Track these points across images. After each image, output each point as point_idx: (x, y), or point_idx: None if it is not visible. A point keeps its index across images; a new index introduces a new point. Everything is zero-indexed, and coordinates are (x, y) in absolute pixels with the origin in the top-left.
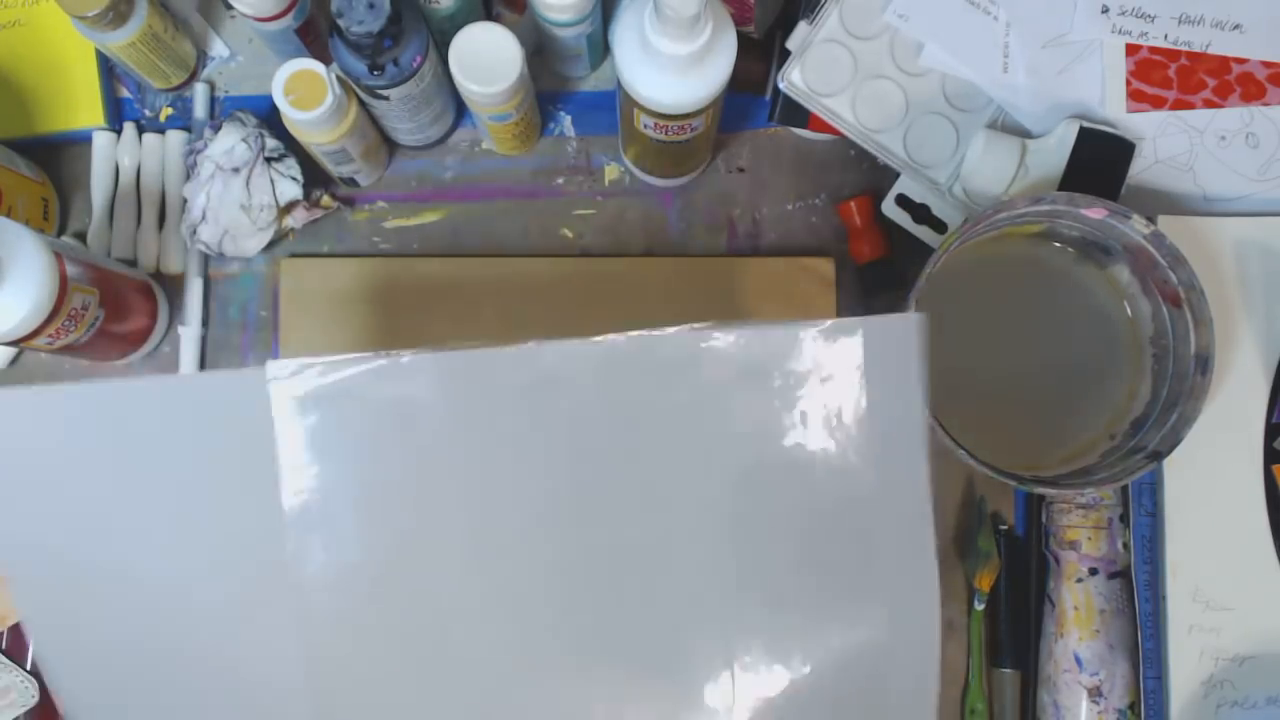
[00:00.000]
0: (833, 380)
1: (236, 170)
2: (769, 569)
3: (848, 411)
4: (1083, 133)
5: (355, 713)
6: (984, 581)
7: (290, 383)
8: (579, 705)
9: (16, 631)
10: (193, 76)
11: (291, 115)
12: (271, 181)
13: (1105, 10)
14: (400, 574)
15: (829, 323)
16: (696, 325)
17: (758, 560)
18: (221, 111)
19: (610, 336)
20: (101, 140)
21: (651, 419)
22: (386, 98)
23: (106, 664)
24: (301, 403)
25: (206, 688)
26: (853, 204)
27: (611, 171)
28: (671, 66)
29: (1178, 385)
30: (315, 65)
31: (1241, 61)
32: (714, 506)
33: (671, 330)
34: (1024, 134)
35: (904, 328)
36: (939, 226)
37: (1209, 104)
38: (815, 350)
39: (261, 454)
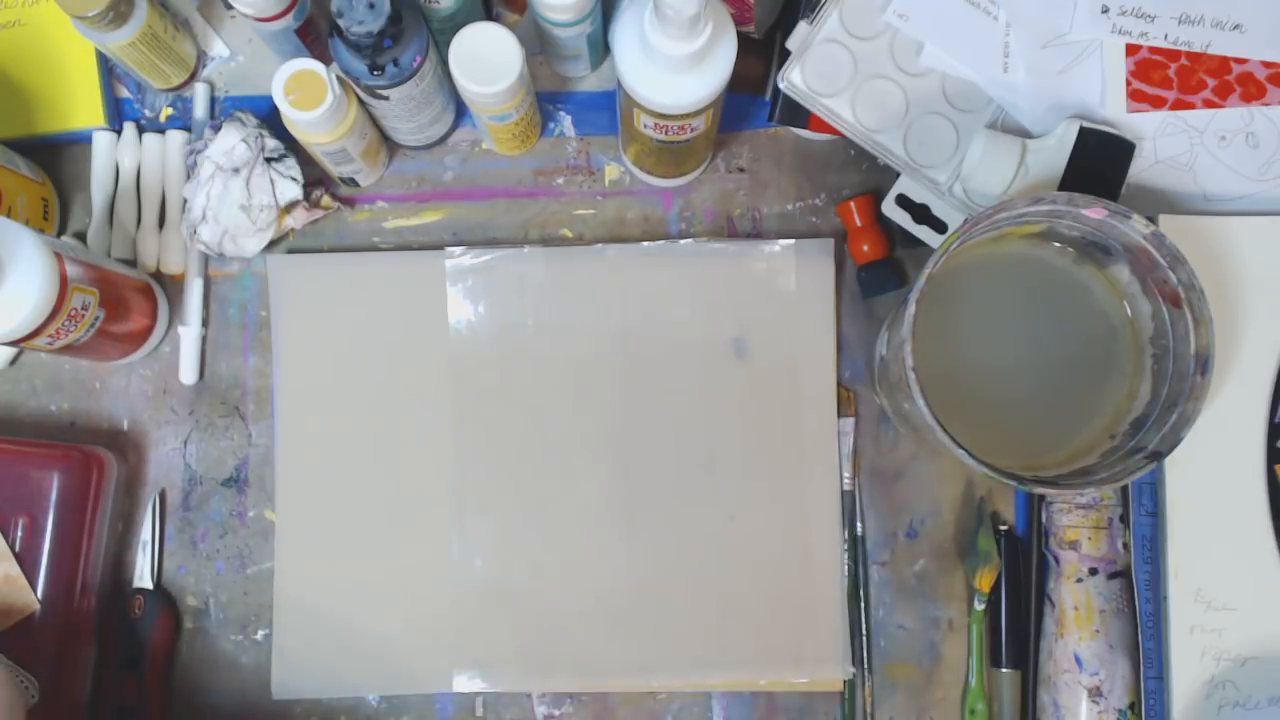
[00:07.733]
0: (781, 273)
1: (236, 170)
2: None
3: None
4: (1083, 133)
5: (477, 445)
6: (984, 581)
7: (456, 260)
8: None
9: (16, 631)
10: (193, 76)
11: (291, 115)
12: (271, 181)
13: (1105, 10)
14: (512, 367)
15: (780, 243)
16: (700, 238)
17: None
18: (221, 111)
19: (645, 244)
20: (101, 140)
21: (671, 291)
22: (386, 98)
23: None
24: (462, 271)
25: (391, 426)
26: (853, 204)
27: (611, 171)
28: (671, 66)
29: (1178, 385)
30: (315, 65)
31: (1241, 61)
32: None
33: (684, 241)
34: (1024, 134)
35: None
36: (939, 226)
37: (1209, 104)
38: (771, 252)
39: (439, 299)
